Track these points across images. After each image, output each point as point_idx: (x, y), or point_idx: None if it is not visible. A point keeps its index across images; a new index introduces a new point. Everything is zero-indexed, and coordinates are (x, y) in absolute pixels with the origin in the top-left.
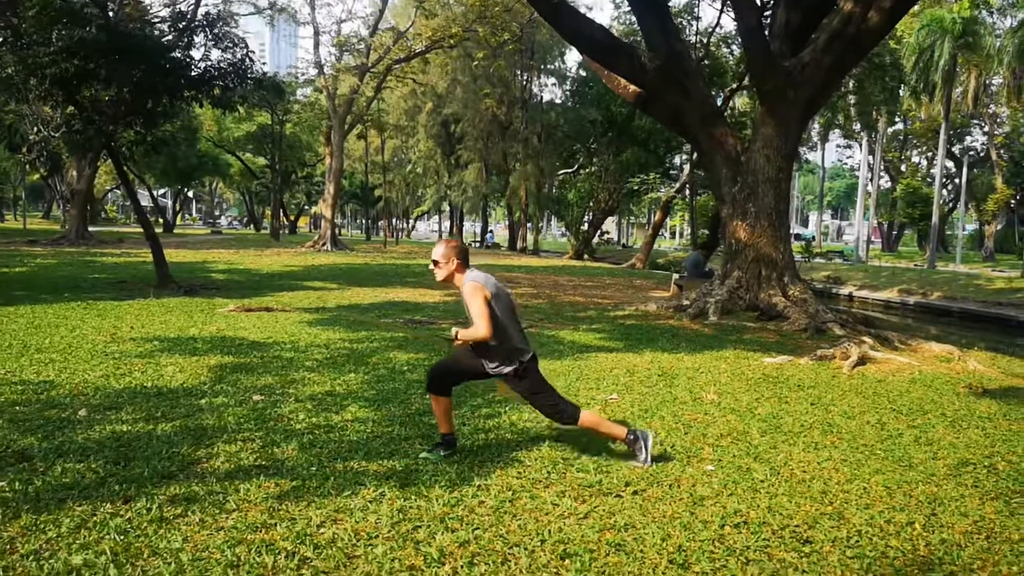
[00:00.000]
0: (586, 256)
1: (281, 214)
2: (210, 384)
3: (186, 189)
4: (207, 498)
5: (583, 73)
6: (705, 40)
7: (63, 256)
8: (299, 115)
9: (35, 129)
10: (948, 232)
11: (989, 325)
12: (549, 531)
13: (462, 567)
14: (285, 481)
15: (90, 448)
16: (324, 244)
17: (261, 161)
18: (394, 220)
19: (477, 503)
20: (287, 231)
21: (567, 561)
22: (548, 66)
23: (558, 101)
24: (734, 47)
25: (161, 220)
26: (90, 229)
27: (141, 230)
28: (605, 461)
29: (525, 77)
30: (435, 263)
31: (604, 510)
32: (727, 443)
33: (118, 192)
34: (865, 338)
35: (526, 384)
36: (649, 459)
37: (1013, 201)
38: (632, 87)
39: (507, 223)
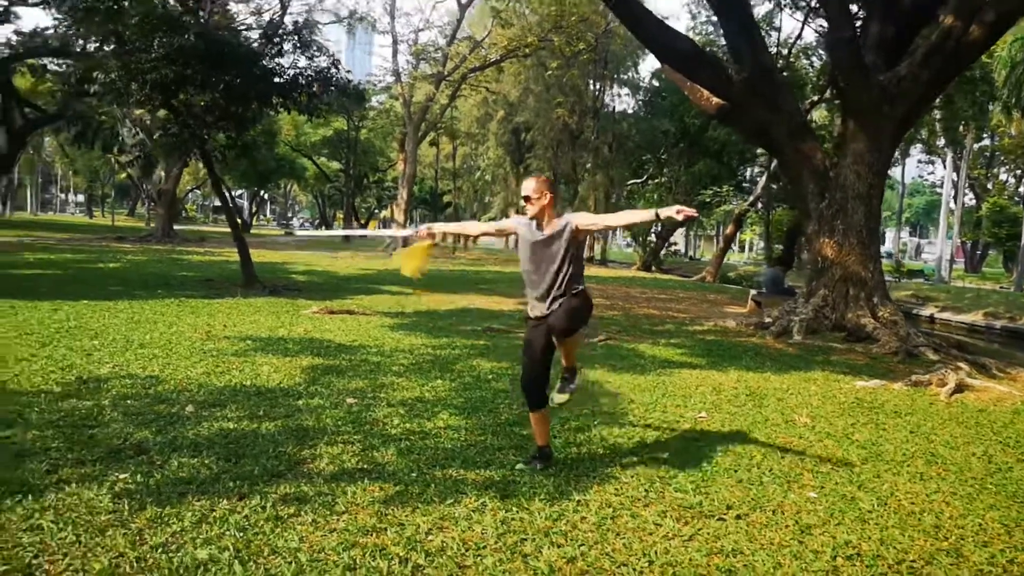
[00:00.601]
0: (653, 268)
1: (352, 218)
2: (305, 385)
3: (262, 191)
4: (317, 499)
5: (655, 83)
6: (786, 51)
7: (151, 253)
8: (374, 121)
9: (133, 132)
10: None
11: None
12: (655, 552)
13: None
14: (388, 485)
15: (201, 444)
16: (396, 248)
17: (335, 165)
18: None
19: (579, 519)
20: None
21: None
22: (621, 76)
23: (630, 111)
24: (814, 59)
25: (239, 221)
26: (175, 228)
27: (221, 230)
28: (704, 482)
29: (598, 87)
30: (527, 199)
31: (708, 533)
32: (827, 469)
33: (198, 192)
34: (961, 364)
35: (585, 301)
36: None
37: None
38: (715, 99)
39: None
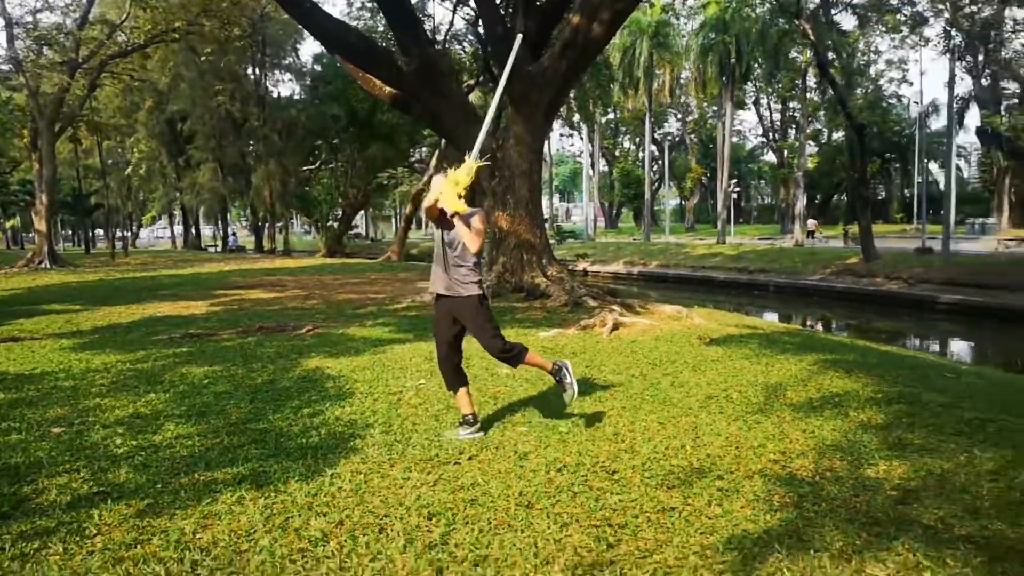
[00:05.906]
0: (337, 253)
1: None
2: None
3: None
4: (60, 529)
5: (318, 68)
6: (441, 38)
7: None
8: None
9: None
10: (656, 208)
11: (697, 286)
12: (409, 500)
13: (346, 541)
14: (135, 501)
15: None
16: (42, 261)
17: None
18: (119, 229)
19: (336, 489)
20: None
21: (434, 520)
22: (283, 61)
23: (297, 97)
24: (465, 44)
25: None
26: None
27: None
28: (436, 437)
29: (258, 73)
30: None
31: (449, 476)
32: (531, 407)
33: None
34: (614, 307)
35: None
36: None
37: (704, 178)
38: (388, 88)
39: (247, 224)
